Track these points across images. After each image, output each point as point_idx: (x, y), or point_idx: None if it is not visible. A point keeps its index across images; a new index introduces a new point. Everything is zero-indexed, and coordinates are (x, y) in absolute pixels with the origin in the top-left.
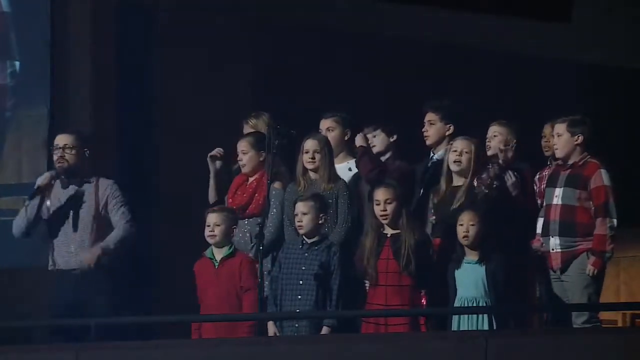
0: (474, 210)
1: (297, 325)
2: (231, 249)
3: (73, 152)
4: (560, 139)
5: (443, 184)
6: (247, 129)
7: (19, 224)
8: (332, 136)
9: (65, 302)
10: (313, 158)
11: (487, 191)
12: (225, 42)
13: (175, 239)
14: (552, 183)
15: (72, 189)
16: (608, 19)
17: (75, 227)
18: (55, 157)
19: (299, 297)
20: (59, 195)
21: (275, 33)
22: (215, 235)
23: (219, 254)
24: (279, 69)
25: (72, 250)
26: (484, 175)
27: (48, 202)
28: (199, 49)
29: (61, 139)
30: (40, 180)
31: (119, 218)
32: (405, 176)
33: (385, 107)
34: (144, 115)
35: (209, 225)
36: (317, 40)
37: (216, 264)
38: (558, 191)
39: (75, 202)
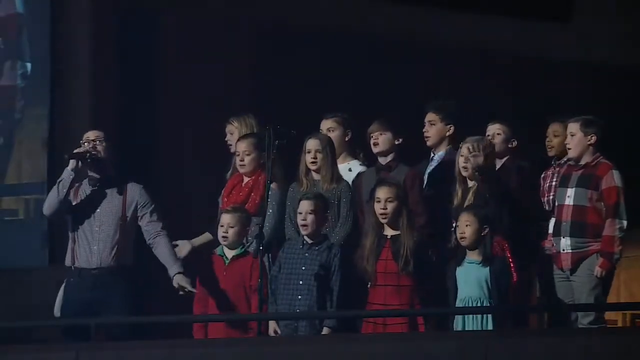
0: (469, 211)
1: (296, 324)
2: (243, 249)
3: (104, 145)
4: (573, 138)
5: (458, 188)
6: (231, 131)
7: (50, 201)
8: (332, 137)
9: (81, 300)
10: (315, 158)
11: (485, 185)
12: (225, 42)
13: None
14: (564, 183)
15: (100, 188)
16: (608, 19)
17: (99, 226)
18: (85, 148)
19: (299, 297)
20: (86, 193)
21: (276, 33)
22: (228, 237)
23: (230, 252)
24: (280, 69)
25: (95, 249)
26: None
27: (74, 200)
28: (199, 49)
29: (92, 133)
30: (79, 149)
31: (150, 229)
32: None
33: (385, 108)
34: (144, 115)
35: (222, 226)
36: (317, 41)
37: (227, 261)
38: (570, 191)
39: (102, 202)
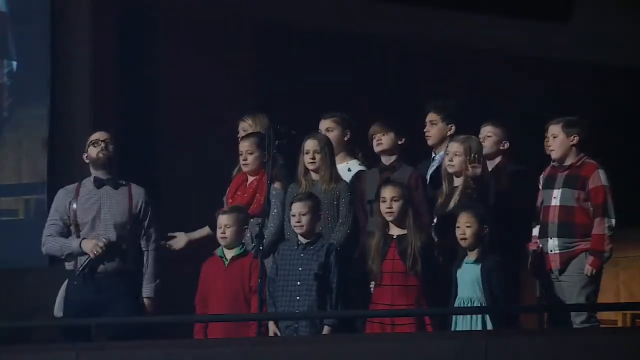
0: (469, 212)
1: (296, 325)
2: (242, 249)
3: (112, 147)
4: (555, 139)
5: (445, 186)
6: (244, 128)
7: (52, 251)
8: (331, 137)
9: (85, 303)
10: (313, 158)
11: (474, 195)
12: (225, 42)
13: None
14: (549, 184)
15: (105, 189)
16: (608, 19)
17: (106, 228)
18: (96, 151)
19: (298, 297)
20: (90, 194)
21: (276, 33)
22: (227, 237)
23: (229, 252)
24: (279, 69)
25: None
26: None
27: (77, 201)
28: (199, 49)
29: (101, 134)
30: (94, 250)
31: (146, 239)
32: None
33: (385, 108)
34: (144, 115)
35: (220, 227)
36: (317, 40)
37: (226, 262)
38: (556, 192)
39: (106, 203)
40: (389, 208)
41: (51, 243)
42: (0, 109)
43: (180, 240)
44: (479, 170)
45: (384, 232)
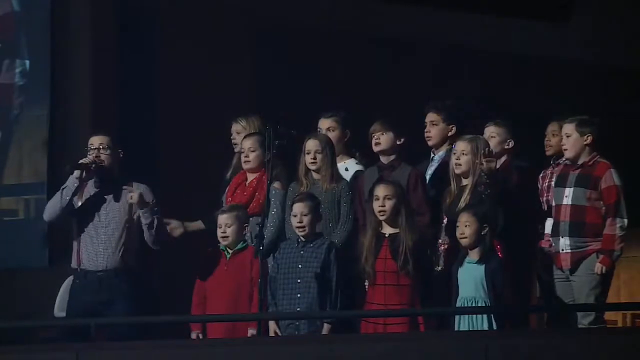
0: (469, 211)
1: (297, 323)
2: (244, 244)
3: (108, 152)
4: (569, 139)
5: (453, 186)
6: (237, 130)
7: (52, 207)
8: (332, 136)
9: (87, 302)
10: (315, 158)
11: (488, 191)
12: (225, 43)
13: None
14: (561, 183)
15: (105, 190)
16: (608, 19)
17: (105, 228)
18: (89, 159)
19: (298, 295)
20: (91, 195)
21: (276, 33)
22: (228, 237)
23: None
24: (279, 69)
25: (101, 251)
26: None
27: (79, 202)
28: (199, 49)
29: (96, 140)
30: (84, 160)
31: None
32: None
33: (385, 108)
34: (144, 115)
35: (220, 227)
36: (316, 40)
37: (228, 256)
38: (568, 191)
39: (107, 204)
40: (382, 207)
41: (51, 200)
42: (10, 108)
43: (177, 228)
44: (494, 165)
45: (376, 230)
